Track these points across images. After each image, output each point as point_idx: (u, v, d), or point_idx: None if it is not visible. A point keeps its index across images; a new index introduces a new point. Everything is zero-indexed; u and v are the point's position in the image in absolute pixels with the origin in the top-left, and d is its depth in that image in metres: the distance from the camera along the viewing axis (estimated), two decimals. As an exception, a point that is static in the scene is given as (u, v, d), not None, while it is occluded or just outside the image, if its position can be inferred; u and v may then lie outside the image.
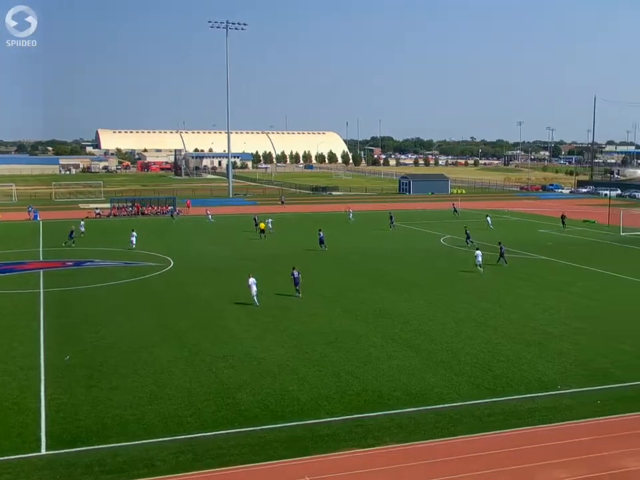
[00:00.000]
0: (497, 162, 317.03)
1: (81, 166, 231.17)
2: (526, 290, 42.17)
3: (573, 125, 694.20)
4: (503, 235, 66.01)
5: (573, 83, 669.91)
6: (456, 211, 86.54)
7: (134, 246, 59.23)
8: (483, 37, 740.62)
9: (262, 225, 67.15)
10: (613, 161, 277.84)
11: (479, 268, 46.62)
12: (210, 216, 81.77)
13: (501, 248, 50.38)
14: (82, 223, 69.24)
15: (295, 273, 39.67)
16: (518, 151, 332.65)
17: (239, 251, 58.96)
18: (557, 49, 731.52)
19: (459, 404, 23.36)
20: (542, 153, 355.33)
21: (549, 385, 25.22)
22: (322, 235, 58.74)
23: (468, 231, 61.70)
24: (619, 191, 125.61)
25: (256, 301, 36.82)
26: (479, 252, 47.61)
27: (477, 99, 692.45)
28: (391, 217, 74.42)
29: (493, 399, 23.77)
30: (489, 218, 75.44)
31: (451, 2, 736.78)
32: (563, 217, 74.10)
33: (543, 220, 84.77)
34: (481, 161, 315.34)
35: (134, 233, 60.76)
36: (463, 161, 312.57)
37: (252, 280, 37.12)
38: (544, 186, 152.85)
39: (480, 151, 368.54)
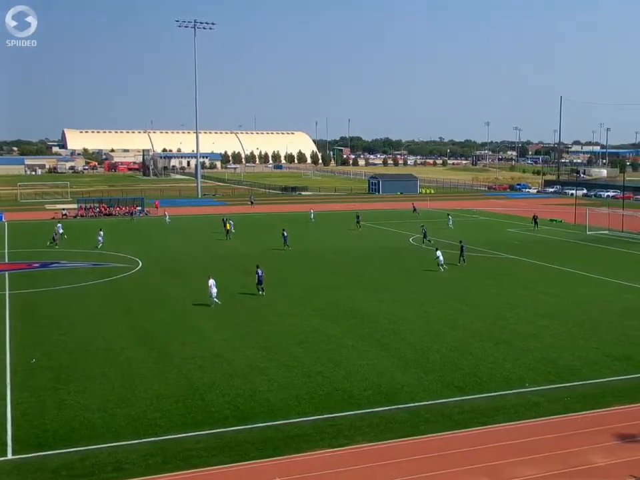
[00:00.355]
0: (465, 162, 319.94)
1: (47, 166, 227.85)
2: (494, 289, 42.61)
3: (540, 125, 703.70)
4: (473, 235, 67.03)
5: (539, 83, 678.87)
6: (415, 210, 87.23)
7: (101, 245, 58.99)
8: (451, 37, 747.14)
9: (227, 226, 67.27)
10: (579, 160, 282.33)
11: (441, 267, 47.48)
12: (167, 216, 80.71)
13: (462, 247, 50.86)
14: (59, 225, 66.81)
15: (259, 271, 39.96)
16: (486, 151, 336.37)
17: (208, 251, 58.71)
18: (524, 49, 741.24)
19: (429, 402, 23.49)
20: (509, 153, 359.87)
21: (517, 382, 25.48)
22: (286, 234, 59.24)
23: (425, 230, 62.68)
24: (585, 191, 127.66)
25: (216, 301, 36.89)
26: (439, 252, 48.36)
27: (445, 99, 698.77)
28: (358, 217, 74.75)
29: (462, 397, 23.96)
30: (450, 217, 76.09)
31: (418, 3, 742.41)
32: (534, 217, 74.68)
33: (511, 219, 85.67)
34: (449, 161, 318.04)
35: (101, 232, 60.75)
36: (431, 161, 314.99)
37: (212, 281, 37.01)
38: (511, 185, 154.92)
39: (448, 150, 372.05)
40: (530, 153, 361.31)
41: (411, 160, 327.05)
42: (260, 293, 39.77)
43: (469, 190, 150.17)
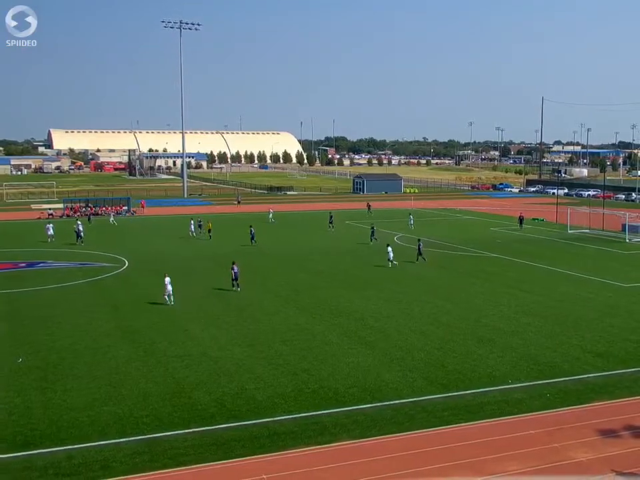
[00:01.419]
0: (448, 162, 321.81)
1: (33, 166, 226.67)
2: (477, 287, 43.01)
3: (522, 125, 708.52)
4: (456, 234, 68.12)
5: (522, 84, 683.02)
6: (370, 210, 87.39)
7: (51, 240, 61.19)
8: (434, 38, 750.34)
9: (209, 225, 67.17)
10: (560, 160, 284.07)
11: (390, 262, 48.85)
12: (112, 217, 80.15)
13: (419, 245, 51.95)
14: (50, 225, 65.82)
15: (235, 267, 40.99)
16: (469, 151, 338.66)
17: (194, 250, 58.72)
18: (506, 50, 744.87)
19: (413, 399, 23.73)
20: (492, 152, 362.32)
21: (500, 379, 25.80)
22: (253, 231, 61.72)
23: (374, 229, 63.55)
24: (566, 190, 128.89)
25: (167, 300, 37.21)
26: (390, 248, 49.52)
27: (428, 99, 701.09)
28: (331, 217, 74.53)
29: (446, 394, 24.26)
30: (411, 216, 76.06)
31: (402, 3, 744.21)
32: (520, 217, 74.81)
33: (494, 218, 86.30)
34: (432, 161, 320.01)
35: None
36: (415, 161, 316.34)
37: (167, 279, 37.45)
38: (494, 185, 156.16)
39: (432, 150, 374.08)
40: (512, 152, 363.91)
41: (395, 160, 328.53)
42: (235, 288, 40.74)
43: (453, 189, 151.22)
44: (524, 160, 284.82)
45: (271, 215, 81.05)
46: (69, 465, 18.95)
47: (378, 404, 23.33)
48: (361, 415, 22.39)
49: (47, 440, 20.54)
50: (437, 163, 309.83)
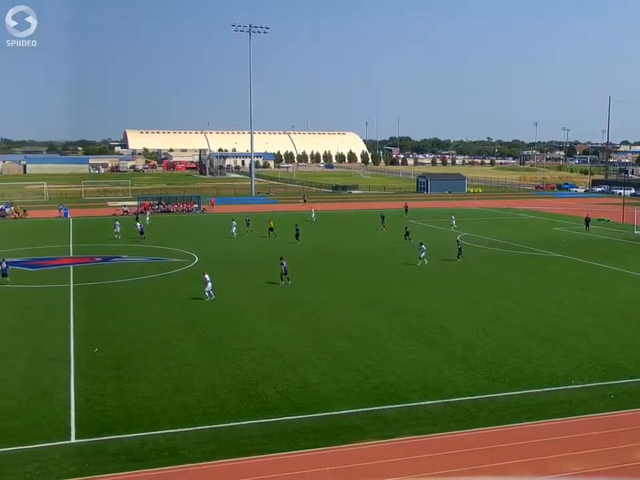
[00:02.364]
0: (512, 162, 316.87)
1: (110, 165, 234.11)
2: (540, 286, 42.53)
3: (588, 125, 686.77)
4: (519, 233, 67.32)
5: (588, 83, 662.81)
6: (407, 211, 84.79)
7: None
8: (500, 37, 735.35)
9: (270, 224, 67.61)
10: (627, 160, 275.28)
11: (420, 260, 49.11)
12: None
13: (459, 245, 51.80)
14: (117, 222, 68.01)
15: (284, 262, 42.35)
16: (533, 151, 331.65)
17: (259, 247, 59.70)
18: (573, 49, 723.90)
19: (475, 397, 23.78)
20: (557, 152, 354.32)
21: (563, 379, 25.57)
22: (299, 229, 62.87)
23: (408, 229, 63.31)
24: (633, 190, 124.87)
25: (207, 295, 38.24)
26: (424, 246, 49.56)
27: (493, 99, 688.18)
28: (382, 217, 73.50)
29: (508, 393, 24.19)
30: (453, 217, 74.37)
31: (467, 2, 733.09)
32: (587, 218, 72.09)
33: (558, 218, 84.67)
34: (497, 161, 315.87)
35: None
36: (479, 161, 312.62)
37: (206, 277, 38.64)
38: (559, 185, 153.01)
39: (496, 150, 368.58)
40: (578, 152, 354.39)
41: (459, 159, 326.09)
42: (282, 283, 42.19)
43: (516, 189, 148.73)
44: (590, 160, 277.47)
45: (313, 214, 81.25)
46: (140, 451, 19.73)
47: (439, 401, 23.48)
48: (422, 411, 22.59)
49: (120, 426, 21.46)
50: (501, 163, 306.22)
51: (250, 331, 32.33)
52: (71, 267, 49.96)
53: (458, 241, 53.39)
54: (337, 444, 20.21)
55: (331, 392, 24.34)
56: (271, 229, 66.93)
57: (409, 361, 27.68)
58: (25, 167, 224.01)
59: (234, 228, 66.63)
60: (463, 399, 23.69)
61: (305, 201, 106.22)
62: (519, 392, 24.32)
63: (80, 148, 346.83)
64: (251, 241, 63.64)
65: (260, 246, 60.66)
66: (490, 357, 28.29)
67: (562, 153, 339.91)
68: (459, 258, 51.00)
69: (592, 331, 32.15)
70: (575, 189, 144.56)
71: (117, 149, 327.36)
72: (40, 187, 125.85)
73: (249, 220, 70.41)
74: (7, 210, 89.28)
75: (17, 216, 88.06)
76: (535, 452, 19.68)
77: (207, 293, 38.28)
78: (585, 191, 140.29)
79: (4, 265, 44.17)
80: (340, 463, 19.12)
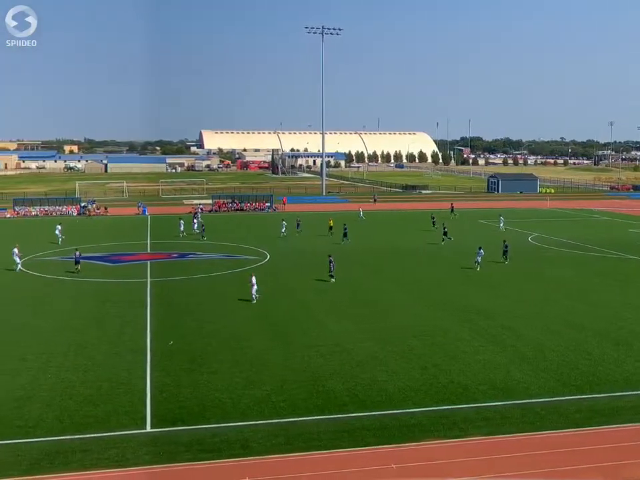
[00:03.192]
0: (587, 162, 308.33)
1: (186, 164, 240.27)
2: (614, 289, 41.52)
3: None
4: (593, 235, 65.62)
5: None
6: (453, 212, 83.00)
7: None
8: (574, 35, 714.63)
9: (330, 222, 67.86)
10: None
11: (477, 264, 47.44)
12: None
13: (505, 246, 50.44)
14: (182, 221, 68.55)
15: (331, 259, 43.63)
16: (608, 151, 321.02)
17: (328, 245, 59.96)
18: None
19: (544, 400, 23.48)
20: (633, 152, 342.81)
21: (637, 384, 24.97)
22: (347, 228, 62.75)
23: (446, 229, 62.15)
24: None
25: (257, 296, 37.81)
26: (482, 251, 47.79)
27: (567, 99, 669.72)
28: (433, 218, 72.48)
29: (579, 396, 23.81)
30: (501, 218, 71.71)
31: (537, 2, 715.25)
32: None
33: (633, 220, 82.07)
34: (570, 161, 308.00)
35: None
36: (552, 161, 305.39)
37: (254, 279, 38.11)
38: (635, 185, 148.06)
39: (570, 150, 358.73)
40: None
41: (531, 160, 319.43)
42: (331, 279, 42.94)
43: (590, 190, 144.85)
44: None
45: (361, 213, 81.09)
46: (212, 442, 20.33)
47: (508, 402, 23.30)
48: (491, 412, 22.48)
49: (192, 418, 22.16)
50: (574, 163, 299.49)
51: (318, 328, 32.75)
52: (148, 262, 51.55)
53: (504, 241, 51.70)
54: (404, 442, 20.34)
55: (398, 390, 24.47)
56: (330, 228, 66.98)
57: (478, 361, 27.53)
58: (106, 165, 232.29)
59: (284, 228, 66.52)
60: (532, 400, 23.44)
61: (374, 200, 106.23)
62: (591, 395, 23.91)
63: (158, 148, 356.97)
64: (321, 240, 64.08)
65: (326, 245, 60.96)
66: (560, 359, 27.85)
67: (639, 153, 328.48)
68: (505, 260, 49.76)
69: (670, 336, 31.16)
70: None
71: (193, 148, 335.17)
72: (120, 185, 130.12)
73: (299, 221, 69.88)
74: (90, 207, 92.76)
75: (98, 213, 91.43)
76: (606, 457, 19.35)
77: (254, 295, 37.93)
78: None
79: (77, 254, 48.04)
80: (406, 461, 19.24)
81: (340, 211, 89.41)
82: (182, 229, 67.36)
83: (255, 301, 37.44)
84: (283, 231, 66.52)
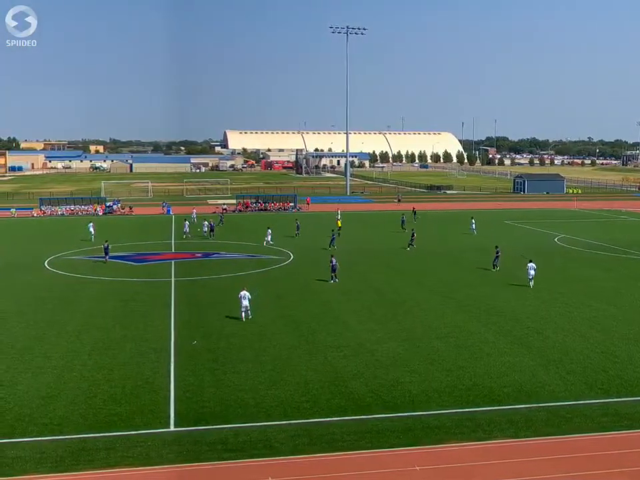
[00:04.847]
0: (615, 162, 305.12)
1: (210, 164, 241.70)
2: (642, 291, 40.84)
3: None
4: (620, 236, 64.84)
5: None
6: (415, 215, 79.61)
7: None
8: (602, 34, 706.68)
9: (339, 223, 67.48)
10: None
11: (530, 281, 41.60)
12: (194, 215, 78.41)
13: (497, 252, 48.02)
14: (186, 222, 67.97)
15: (333, 260, 43.52)
16: (637, 151, 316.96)
17: (351, 245, 60.02)
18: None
19: (570, 403, 23.22)
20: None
21: (667, 388, 24.57)
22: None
23: (414, 235, 58.96)
24: None
25: (243, 316, 33.81)
26: (532, 264, 41.84)
27: (595, 98, 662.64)
28: (471, 221, 68.86)
29: (606, 400, 23.48)
30: (473, 220, 68.37)
31: (568, 0, 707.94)
32: None
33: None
34: (598, 161, 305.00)
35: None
36: (579, 161, 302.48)
37: (243, 293, 34.01)
38: None
39: (597, 150, 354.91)
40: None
41: (558, 160, 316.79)
42: (332, 280, 43.03)
43: (618, 190, 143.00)
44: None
45: (338, 215, 75.17)
46: (235, 442, 20.35)
47: (533, 405, 23.06)
48: (516, 415, 22.24)
49: (216, 417, 22.19)
50: (602, 164, 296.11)
51: (342, 328, 32.67)
52: (173, 262, 51.84)
53: (497, 247, 48.73)
54: (428, 444, 20.21)
55: (422, 391, 24.34)
56: (339, 228, 66.34)
57: (503, 363, 27.29)
58: (131, 165, 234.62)
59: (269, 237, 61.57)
60: (558, 403, 23.18)
61: (399, 201, 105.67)
62: (618, 399, 23.55)
63: (182, 148, 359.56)
64: (342, 240, 63.98)
65: (356, 244, 60.95)
66: (587, 362, 27.51)
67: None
68: (494, 267, 47.39)
69: (700, 339, 30.62)
70: None
71: (217, 148, 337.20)
72: (145, 184, 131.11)
73: (298, 223, 67.92)
74: (115, 207, 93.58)
75: (123, 212, 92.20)
76: (634, 462, 19.05)
77: (242, 313, 33.81)
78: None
79: (106, 244, 52.01)
80: (430, 463, 19.13)
81: (373, 211, 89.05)
82: (186, 229, 66.73)
83: (244, 320, 33.65)
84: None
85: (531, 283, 41.51)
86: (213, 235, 65.56)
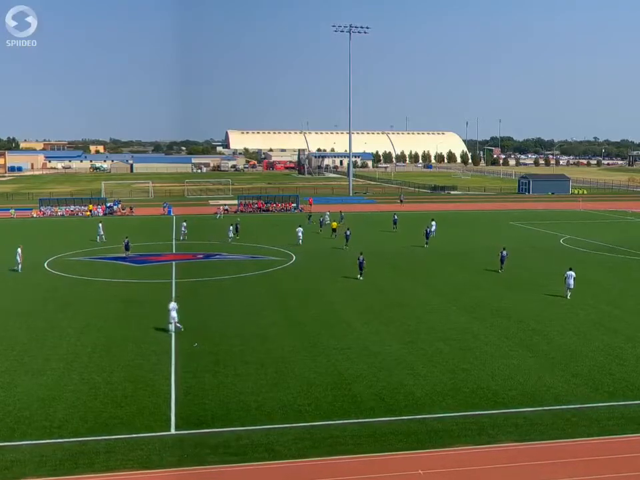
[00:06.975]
0: (621, 162, 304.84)
1: (211, 165, 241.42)
2: (651, 293, 40.56)
3: None
4: (626, 237, 64.50)
5: None
6: (342, 218, 74.78)
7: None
8: (607, 33, 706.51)
9: (334, 224, 67.11)
10: None
11: (568, 291, 38.96)
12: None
13: (502, 254, 47.13)
14: (183, 223, 67.07)
15: (361, 257, 44.50)
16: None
17: (352, 246, 59.64)
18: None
19: (576, 406, 23.02)
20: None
21: (674, 391, 24.33)
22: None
23: (349, 234, 59.04)
24: None
25: (175, 327, 31.80)
26: (572, 273, 38.81)
27: (600, 98, 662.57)
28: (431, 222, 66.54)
29: (612, 403, 23.29)
30: (433, 222, 65.80)
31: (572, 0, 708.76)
32: None
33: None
34: (604, 162, 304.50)
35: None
36: (585, 161, 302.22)
37: (172, 305, 32.36)
38: None
39: (603, 151, 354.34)
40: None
41: (563, 160, 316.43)
42: (359, 277, 43.96)
43: (625, 191, 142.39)
44: None
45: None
46: (237, 445, 20.15)
47: (538, 408, 22.85)
48: (521, 418, 22.04)
49: (217, 420, 22.00)
50: (608, 164, 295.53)
51: (346, 330, 32.44)
52: (174, 263, 51.61)
53: (503, 249, 47.73)
54: (431, 447, 20.03)
55: (426, 394, 24.13)
56: (334, 230, 66.02)
57: (508, 366, 27.07)
58: (132, 165, 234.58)
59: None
60: (563, 407, 22.97)
61: (401, 201, 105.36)
62: (624, 402, 23.35)
63: (184, 148, 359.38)
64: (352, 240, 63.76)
65: (359, 245, 60.62)
66: (593, 364, 27.29)
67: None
68: (500, 269, 46.86)
69: None
70: None
71: (219, 148, 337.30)
72: (145, 185, 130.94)
73: (237, 224, 67.01)
74: (115, 207, 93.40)
75: (124, 213, 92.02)
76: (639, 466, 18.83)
77: (170, 326, 31.86)
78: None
79: (126, 240, 54.20)
80: (434, 467, 18.95)
81: (381, 212, 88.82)
82: (184, 230, 65.67)
83: (172, 332, 31.58)
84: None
85: (568, 294, 38.45)
86: (237, 236, 64.49)
